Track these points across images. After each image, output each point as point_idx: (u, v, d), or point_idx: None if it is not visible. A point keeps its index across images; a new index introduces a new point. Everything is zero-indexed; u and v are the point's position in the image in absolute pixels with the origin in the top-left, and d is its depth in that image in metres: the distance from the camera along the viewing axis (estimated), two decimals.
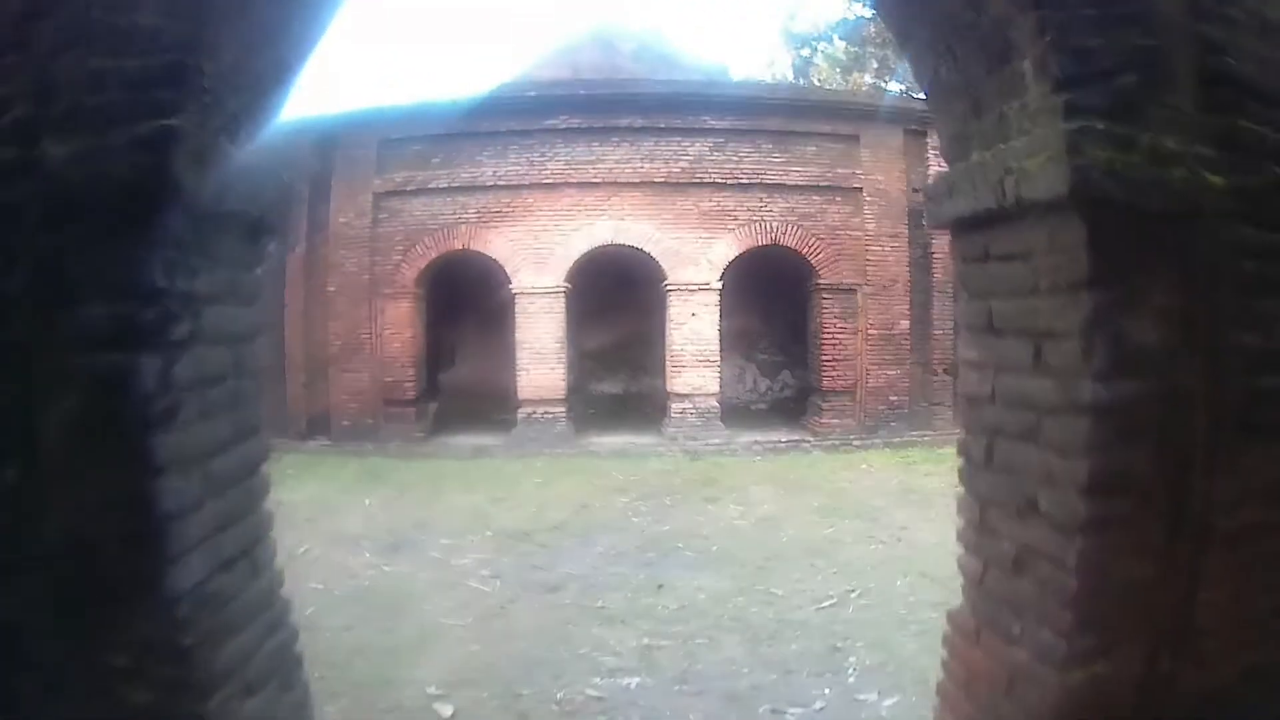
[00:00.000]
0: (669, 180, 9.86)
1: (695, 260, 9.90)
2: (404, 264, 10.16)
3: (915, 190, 10.52)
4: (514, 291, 9.94)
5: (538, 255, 9.89)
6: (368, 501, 7.97)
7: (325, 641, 4.32)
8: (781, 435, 10.35)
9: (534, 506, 7.61)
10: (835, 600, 5.01)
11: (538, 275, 9.89)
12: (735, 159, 9.98)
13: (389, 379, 10.20)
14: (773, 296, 11.33)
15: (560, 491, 8.19)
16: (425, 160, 10.14)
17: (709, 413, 10.01)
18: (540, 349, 9.89)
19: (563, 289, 9.90)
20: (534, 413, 9.98)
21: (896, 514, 7.15)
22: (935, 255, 10.62)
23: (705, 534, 6.71)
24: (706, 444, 9.79)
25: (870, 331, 10.31)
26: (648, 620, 4.76)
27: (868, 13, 16.33)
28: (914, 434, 10.34)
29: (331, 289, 10.34)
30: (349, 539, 6.81)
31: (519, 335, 9.93)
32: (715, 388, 10.02)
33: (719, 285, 9.93)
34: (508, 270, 9.94)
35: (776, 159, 10.08)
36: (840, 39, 17.29)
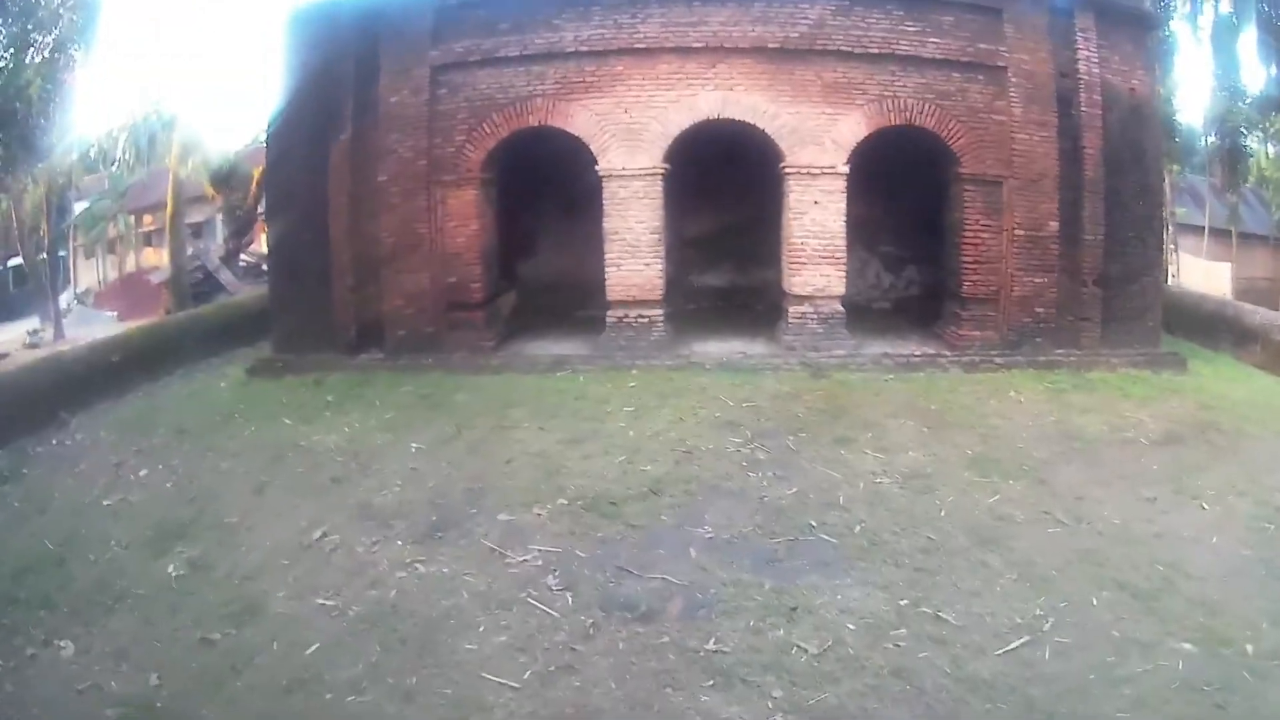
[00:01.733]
0: (786, 46, 8.31)
1: (818, 139, 8.31)
2: (468, 145, 8.59)
3: (1064, 75, 9.01)
4: (601, 173, 8.35)
5: (629, 131, 8.31)
6: (414, 447, 6.33)
7: (324, 712, 3.34)
8: (914, 347, 8.67)
9: (623, 453, 5.95)
10: (1025, 636, 3.78)
11: (630, 155, 8.30)
12: (863, 24, 8.43)
13: (452, 279, 8.56)
14: (898, 182, 9.69)
15: (656, 426, 6.49)
16: (491, 25, 8.61)
17: (832, 318, 8.33)
18: (633, 241, 8.26)
19: (659, 171, 8.31)
20: (625, 316, 8.32)
21: (1065, 473, 5.71)
22: (1086, 149, 9.04)
23: (843, 502, 5.18)
24: (829, 355, 8.12)
25: (1016, 232, 8.67)
26: (778, 676, 3.41)
27: None
28: (1059, 352, 8.69)
29: (383, 178, 8.76)
30: (380, 515, 5.22)
31: (608, 225, 8.30)
32: (840, 289, 8.35)
33: (845, 169, 8.33)
34: (593, 149, 8.36)
35: (910, 27, 8.53)
36: None
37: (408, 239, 8.65)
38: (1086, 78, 9.05)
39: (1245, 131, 17.70)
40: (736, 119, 8.27)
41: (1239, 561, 4.43)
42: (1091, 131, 9.03)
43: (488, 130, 8.53)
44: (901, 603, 3.99)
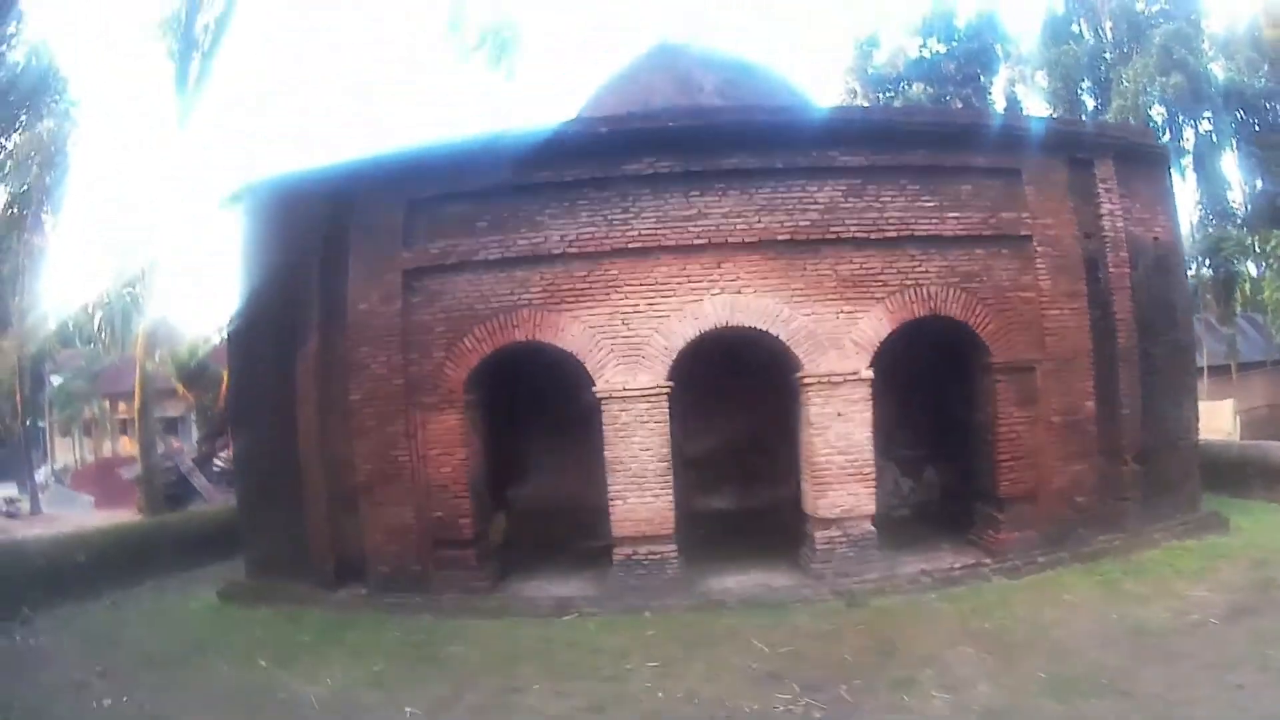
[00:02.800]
0: (796, 236, 7.50)
1: (838, 342, 7.51)
2: (448, 363, 7.67)
3: (1087, 236, 8.32)
4: (600, 395, 7.47)
5: (629, 346, 7.45)
6: (409, 712, 5.50)
7: None
8: (950, 558, 7.95)
9: None
10: None
11: (630, 372, 7.44)
12: (878, 205, 7.66)
13: (438, 514, 7.66)
14: (912, 377, 8.93)
15: (688, 684, 5.73)
16: (469, 224, 7.72)
17: (864, 540, 7.57)
18: (639, 471, 7.40)
19: (664, 390, 7.46)
20: (634, 553, 7.47)
21: (1145, 677, 5.24)
22: (1117, 315, 8.39)
23: None
24: (863, 580, 7.36)
25: (1053, 419, 7.98)
26: None
27: (943, 48, 14.51)
28: (1101, 539, 8.08)
29: (355, 397, 7.82)
30: None
31: (610, 453, 7.43)
32: (870, 507, 7.58)
33: (869, 375, 7.54)
34: (589, 367, 7.48)
35: (927, 203, 7.78)
36: (917, 81, 15.30)
37: (386, 467, 7.72)
38: (1112, 234, 8.42)
39: (1237, 260, 17.09)
40: (747, 325, 7.45)
41: None
42: (1121, 294, 8.40)
43: (469, 346, 7.61)
44: None
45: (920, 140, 7.78)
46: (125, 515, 16.21)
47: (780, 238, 7.47)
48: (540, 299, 7.53)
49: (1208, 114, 13.54)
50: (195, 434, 21.04)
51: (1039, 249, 8.01)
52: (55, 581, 7.88)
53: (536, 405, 9.18)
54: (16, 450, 20.95)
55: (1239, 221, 15.59)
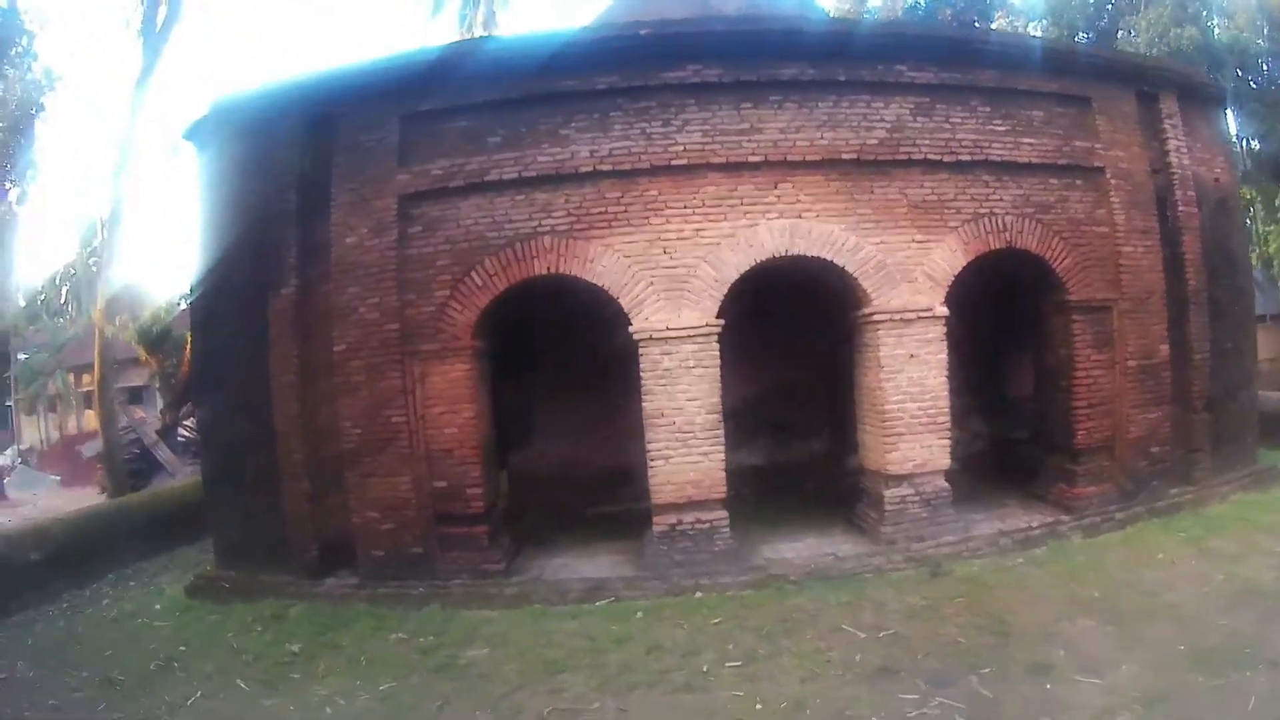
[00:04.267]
0: (863, 156, 6.53)
1: (909, 275, 6.58)
2: (453, 303, 6.41)
3: (1155, 172, 7.65)
4: (637, 336, 6.33)
5: (672, 278, 6.33)
6: None
7: None
8: (1023, 516, 7.18)
9: None
10: None
11: (674, 309, 6.32)
12: (947, 126, 6.77)
13: (441, 484, 6.39)
14: (961, 316, 8.10)
15: (786, 688, 4.72)
16: (478, 139, 6.47)
17: (937, 498, 6.67)
18: (685, 425, 6.29)
19: (714, 330, 6.37)
20: (679, 522, 6.37)
21: None
22: (1186, 255, 7.76)
23: None
24: (938, 545, 6.48)
25: (1129, 363, 7.27)
26: None
27: None
28: (1173, 492, 7.52)
29: (340, 348, 6.48)
30: None
31: (650, 404, 6.30)
32: (945, 461, 6.68)
33: (944, 312, 6.64)
34: (624, 303, 6.33)
35: (999, 126, 6.93)
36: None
37: (378, 430, 6.41)
38: (1179, 172, 7.82)
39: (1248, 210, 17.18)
40: (809, 255, 6.44)
41: None
42: (1190, 234, 7.80)
43: (478, 282, 6.36)
44: None
45: (990, 59, 6.92)
46: (90, 494, 15.34)
47: (846, 156, 6.49)
48: (565, 225, 6.34)
49: (1212, 71, 13.42)
50: (160, 403, 19.59)
51: (1113, 181, 7.29)
52: (7, 585, 7.07)
53: (539, 354, 7.97)
54: None
55: (1241, 176, 15.67)
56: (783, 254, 6.39)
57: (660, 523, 6.38)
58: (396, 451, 6.38)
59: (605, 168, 6.32)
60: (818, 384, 7.38)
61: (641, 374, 6.34)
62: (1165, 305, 7.49)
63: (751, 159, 6.37)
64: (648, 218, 6.33)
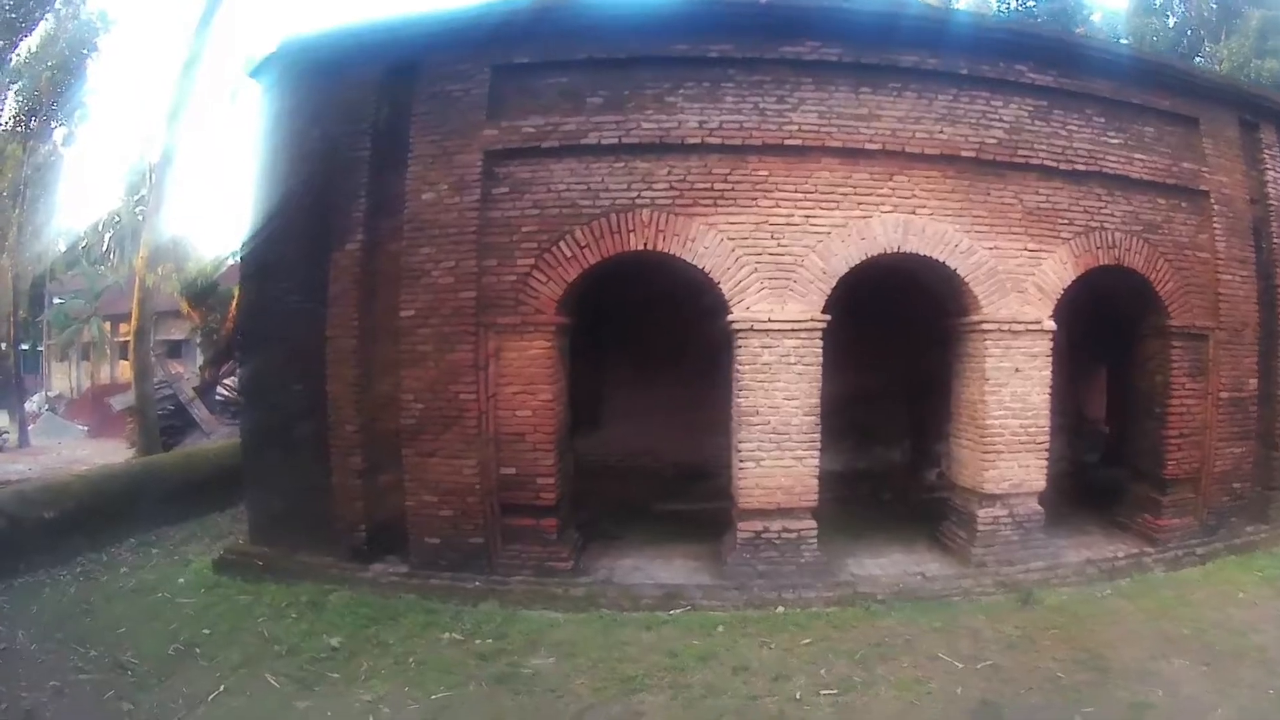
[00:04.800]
0: (981, 155, 6.17)
1: (1019, 284, 6.23)
2: (537, 273, 5.87)
3: (1254, 201, 7.46)
4: (736, 326, 5.86)
5: (779, 266, 5.89)
6: None
7: None
8: (1106, 544, 6.93)
9: None
10: None
11: (779, 299, 5.87)
12: (1064, 132, 6.46)
13: (510, 470, 5.83)
14: None
15: (884, 711, 4.35)
16: (577, 98, 5.96)
17: (1030, 521, 6.31)
18: (780, 425, 5.83)
19: (819, 325, 5.93)
20: (765, 530, 5.89)
21: None
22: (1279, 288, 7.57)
23: None
24: (1027, 570, 6.12)
25: (1221, 395, 7.03)
26: None
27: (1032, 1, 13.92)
28: (1249, 530, 7.32)
29: (408, 314, 5.90)
30: None
31: (746, 400, 5.82)
32: (1041, 483, 6.33)
33: (1052, 326, 6.31)
34: (724, 289, 5.87)
35: (1113, 139, 6.65)
36: None
37: (444, 407, 5.83)
38: (1276, 203, 7.59)
39: None
40: (920, 254, 6.05)
41: None
42: None
43: (567, 253, 5.84)
44: None
45: (1106, 69, 6.63)
46: (117, 447, 14.66)
47: (964, 154, 6.12)
48: (667, 199, 5.85)
49: None
50: (199, 359, 18.80)
51: (1216, 207, 7.06)
52: (16, 547, 6.42)
53: (615, 334, 7.45)
54: (8, 376, 18.62)
55: None
56: (894, 250, 6.00)
57: (745, 529, 5.90)
58: (462, 431, 5.81)
59: (714, 141, 5.86)
60: (900, 392, 6.99)
61: (737, 367, 5.87)
62: (1257, 338, 7.30)
63: (869, 146, 5.97)
64: (756, 199, 5.88)
